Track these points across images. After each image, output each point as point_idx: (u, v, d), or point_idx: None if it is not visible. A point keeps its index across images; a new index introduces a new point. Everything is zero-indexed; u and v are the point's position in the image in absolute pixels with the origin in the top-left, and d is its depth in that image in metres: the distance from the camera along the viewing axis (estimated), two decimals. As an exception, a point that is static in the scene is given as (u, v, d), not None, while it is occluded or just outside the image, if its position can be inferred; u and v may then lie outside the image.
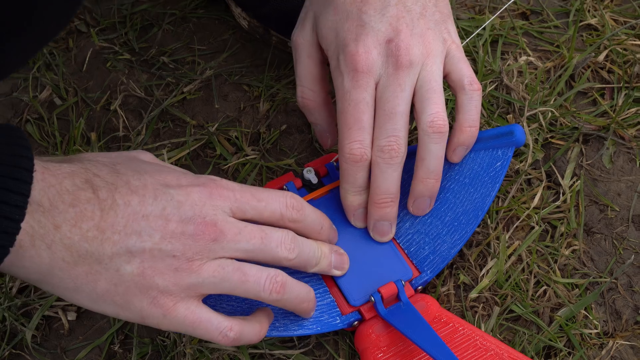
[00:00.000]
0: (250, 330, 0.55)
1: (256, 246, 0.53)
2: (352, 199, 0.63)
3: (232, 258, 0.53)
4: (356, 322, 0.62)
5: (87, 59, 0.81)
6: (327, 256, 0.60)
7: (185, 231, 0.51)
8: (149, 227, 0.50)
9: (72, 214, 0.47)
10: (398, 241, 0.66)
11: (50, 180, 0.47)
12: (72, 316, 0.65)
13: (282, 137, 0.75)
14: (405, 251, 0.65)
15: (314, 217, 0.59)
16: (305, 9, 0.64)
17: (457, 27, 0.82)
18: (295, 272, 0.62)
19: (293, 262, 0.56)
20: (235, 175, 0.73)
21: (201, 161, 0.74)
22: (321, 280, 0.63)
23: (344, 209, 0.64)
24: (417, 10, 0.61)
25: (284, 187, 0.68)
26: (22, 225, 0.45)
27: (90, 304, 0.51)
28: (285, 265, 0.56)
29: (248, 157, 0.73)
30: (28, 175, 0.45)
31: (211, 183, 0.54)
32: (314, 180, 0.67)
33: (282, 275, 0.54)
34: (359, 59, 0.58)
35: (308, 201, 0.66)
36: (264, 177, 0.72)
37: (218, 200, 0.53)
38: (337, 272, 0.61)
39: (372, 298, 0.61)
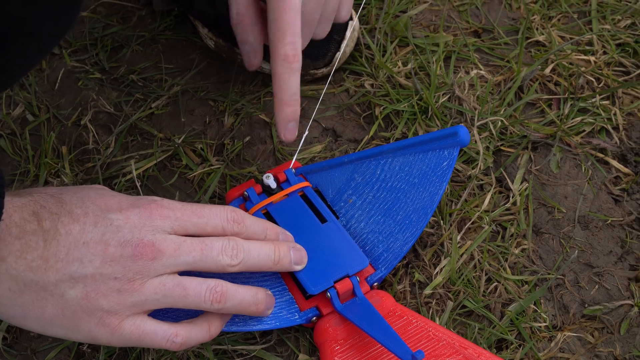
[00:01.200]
0: (197, 332, 0.58)
1: (197, 257, 0.56)
2: (286, 110, 0.65)
3: (176, 272, 0.56)
4: (314, 318, 0.65)
5: (59, 78, 0.84)
6: (286, 254, 0.62)
7: (123, 254, 0.53)
8: (89, 253, 0.53)
9: (18, 246, 0.50)
10: (354, 241, 0.68)
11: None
12: (41, 319, 0.68)
13: (245, 148, 0.79)
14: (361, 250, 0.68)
15: (256, 227, 0.61)
16: None
17: (411, 44, 0.87)
18: (261, 276, 0.65)
19: (238, 267, 0.58)
20: (200, 185, 0.76)
21: (168, 171, 0.77)
22: (280, 279, 0.66)
23: (277, 123, 0.66)
24: None
25: (245, 193, 0.71)
26: None
27: (40, 329, 0.54)
28: (232, 271, 0.58)
29: (212, 167, 0.77)
30: None
31: (152, 204, 0.56)
32: (273, 185, 0.70)
33: (222, 285, 0.57)
34: None
35: (267, 205, 0.70)
36: (227, 185, 0.76)
37: (158, 220, 0.56)
38: (297, 267, 0.64)
39: (329, 294, 0.64)
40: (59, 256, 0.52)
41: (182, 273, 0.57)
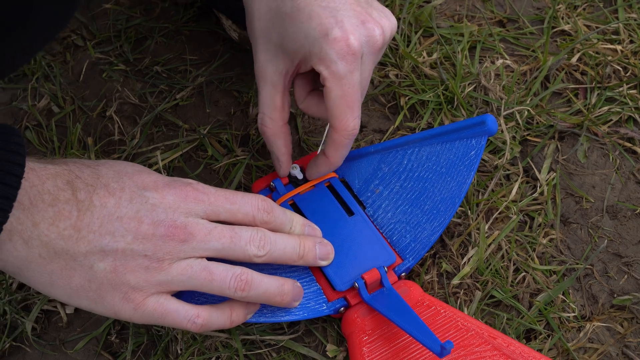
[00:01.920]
0: (219, 316, 0.58)
1: (226, 245, 0.57)
2: (326, 169, 0.69)
3: (203, 257, 0.56)
4: (342, 308, 0.65)
5: (83, 70, 0.85)
6: (311, 249, 0.62)
7: (156, 233, 0.54)
8: (122, 228, 0.53)
9: (51, 213, 0.51)
10: (381, 230, 0.68)
11: (34, 181, 0.51)
12: (70, 309, 0.68)
13: (270, 139, 0.79)
14: (388, 240, 0.68)
15: (284, 218, 0.62)
16: (255, 39, 0.66)
17: (436, 34, 0.86)
18: (289, 267, 0.65)
19: (265, 259, 0.59)
20: (226, 175, 0.76)
21: (193, 162, 0.77)
22: (307, 270, 0.66)
23: (311, 168, 0.70)
24: (362, 1, 0.63)
25: (272, 183, 0.71)
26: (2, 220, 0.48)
27: (65, 298, 0.54)
28: (258, 262, 0.59)
29: (238, 158, 0.77)
30: (17, 180, 0.49)
31: (188, 187, 0.57)
32: (300, 176, 0.70)
33: (247, 274, 0.57)
34: (349, 42, 0.59)
35: (294, 196, 0.70)
36: (253, 176, 0.76)
37: (192, 203, 0.57)
38: (323, 263, 0.64)
39: (356, 284, 0.64)
40: (92, 228, 0.52)
41: (210, 259, 0.57)
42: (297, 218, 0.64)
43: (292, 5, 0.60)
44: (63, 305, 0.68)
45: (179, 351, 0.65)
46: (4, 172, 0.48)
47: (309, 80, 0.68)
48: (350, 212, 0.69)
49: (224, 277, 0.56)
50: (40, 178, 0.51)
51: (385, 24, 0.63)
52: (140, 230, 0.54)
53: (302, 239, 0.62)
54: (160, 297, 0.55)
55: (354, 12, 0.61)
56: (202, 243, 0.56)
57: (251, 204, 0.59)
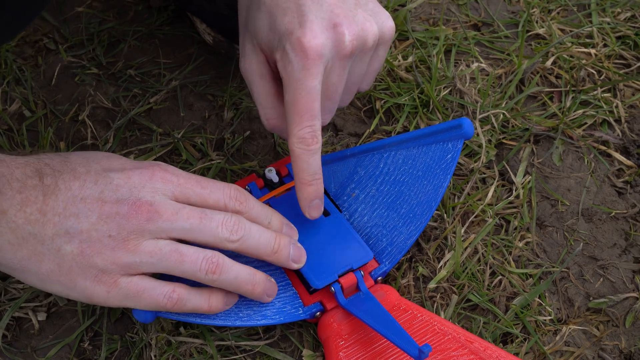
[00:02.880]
0: (196, 296, 0.57)
1: (194, 226, 0.55)
2: (308, 189, 0.61)
3: (172, 238, 0.55)
4: (318, 313, 0.64)
5: (55, 74, 0.83)
6: (286, 247, 0.61)
7: (119, 211, 0.54)
8: (85, 208, 0.53)
9: (18, 199, 0.51)
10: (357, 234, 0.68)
11: (2, 171, 0.51)
12: (42, 316, 0.67)
13: (245, 143, 0.78)
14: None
15: (260, 211, 0.60)
16: (242, 36, 0.64)
17: (411, 37, 0.86)
18: (264, 265, 0.64)
19: (237, 245, 0.57)
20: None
21: (167, 167, 0.76)
22: (283, 274, 0.65)
23: (299, 201, 0.63)
24: (350, 1, 0.60)
25: (247, 187, 0.70)
26: None
27: (39, 284, 0.54)
28: (230, 248, 0.57)
29: (213, 162, 0.76)
30: None
31: (156, 167, 0.57)
32: (275, 179, 0.70)
33: (218, 257, 0.56)
34: (309, 45, 0.56)
35: (269, 199, 0.69)
36: (228, 180, 0.75)
37: (159, 182, 0.56)
38: (295, 265, 0.62)
39: (333, 289, 0.63)
40: (57, 210, 0.53)
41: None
42: (276, 215, 0.63)
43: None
44: (35, 312, 0.67)
45: (153, 357, 0.64)
46: None
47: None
48: (325, 212, 0.68)
49: (194, 259, 0.55)
50: (9, 167, 0.52)
51: (368, 27, 0.59)
52: (103, 210, 0.53)
53: (278, 235, 0.60)
54: (132, 278, 0.55)
55: (330, 13, 0.58)
56: (169, 222, 0.55)
57: (223, 191, 0.58)
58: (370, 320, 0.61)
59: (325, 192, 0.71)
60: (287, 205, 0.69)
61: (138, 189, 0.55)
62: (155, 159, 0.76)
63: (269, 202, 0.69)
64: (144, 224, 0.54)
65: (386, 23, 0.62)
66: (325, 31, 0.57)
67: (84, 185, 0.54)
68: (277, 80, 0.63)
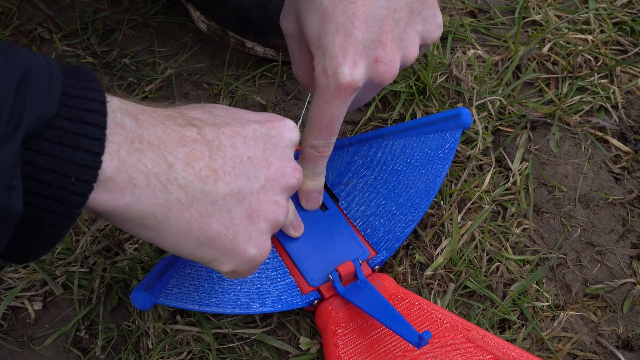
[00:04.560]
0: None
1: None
2: (309, 184, 0.65)
3: None
4: (316, 301, 0.64)
5: (50, 63, 0.83)
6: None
7: (284, 173, 0.52)
8: (254, 169, 0.50)
9: (182, 154, 0.45)
10: (354, 224, 0.68)
11: (153, 121, 0.45)
12: (38, 306, 0.67)
13: (241, 131, 0.78)
14: (362, 233, 0.67)
15: None
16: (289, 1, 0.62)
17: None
18: None
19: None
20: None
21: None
22: (281, 263, 0.65)
23: (299, 192, 0.66)
24: (404, 18, 0.58)
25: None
26: (136, 164, 0.43)
27: (192, 249, 0.49)
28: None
29: (209, 150, 0.75)
30: (101, 106, 0.41)
31: (293, 125, 0.56)
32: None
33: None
34: (352, 83, 0.56)
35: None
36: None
37: (291, 144, 0.55)
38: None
39: (330, 277, 0.63)
40: (226, 169, 0.48)
41: None
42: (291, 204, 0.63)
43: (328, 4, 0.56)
44: (31, 301, 0.67)
45: (150, 346, 0.63)
46: (84, 98, 0.41)
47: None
48: (323, 207, 0.68)
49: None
50: (157, 118, 0.46)
51: (409, 54, 0.59)
52: (270, 173, 0.51)
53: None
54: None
55: (378, 35, 0.56)
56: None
57: None
58: (369, 308, 0.61)
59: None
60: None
61: (289, 148, 0.54)
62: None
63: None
64: (295, 187, 0.54)
65: (433, 35, 0.61)
66: (365, 66, 0.57)
67: (247, 144, 0.50)
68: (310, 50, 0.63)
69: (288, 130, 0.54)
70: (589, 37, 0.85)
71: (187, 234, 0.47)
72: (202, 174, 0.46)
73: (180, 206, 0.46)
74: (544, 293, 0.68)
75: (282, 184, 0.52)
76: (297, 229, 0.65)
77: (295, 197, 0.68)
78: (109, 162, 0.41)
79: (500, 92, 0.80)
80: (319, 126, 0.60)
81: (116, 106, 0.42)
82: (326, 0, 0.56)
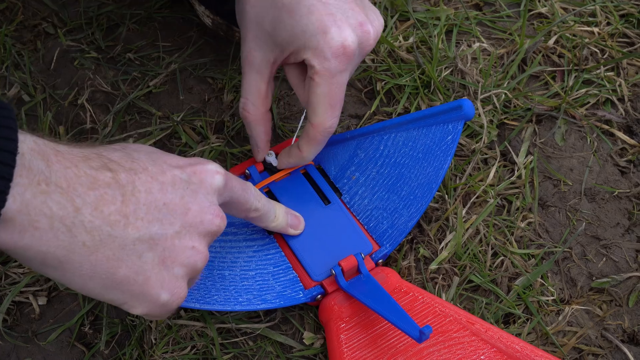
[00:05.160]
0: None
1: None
2: (300, 155, 0.68)
3: None
4: (319, 296, 0.64)
5: (54, 58, 0.83)
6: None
7: (203, 220, 0.51)
8: (169, 215, 0.49)
9: (93, 197, 0.45)
10: (357, 217, 0.68)
11: (66, 162, 0.45)
12: (42, 301, 0.67)
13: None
14: (365, 227, 0.67)
15: (268, 207, 0.62)
16: (246, 25, 0.65)
17: (412, 18, 0.85)
18: (262, 249, 0.65)
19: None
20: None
21: (167, 150, 0.75)
22: (284, 258, 0.65)
23: (284, 154, 0.69)
24: None
25: (246, 171, 0.70)
26: (40, 206, 0.43)
27: (101, 292, 0.48)
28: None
29: (213, 145, 0.75)
30: (10, 157, 0.41)
31: (211, 165, 0.55)
32: (275, 163, 0.69)
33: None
34: (346, 43, 0.60)
35: (269, 183, 0.69)
36: (227, 163, 0.74)
37: (218, 189, 0.54)
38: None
39: (333, 271, 0.63)
40: (139, 214, 0.48)
41: None
42: (280, 207, 0.64)
43: None
44: (35, 296, 0.67)
45: (154, 341, 0.64)
46: None
47: (301, 70, 0.67)
48: (326, 201, 0.68)
49: None
50: (71, 160, 0.45)
51: (377, 25, 0.64)
52: (187, 219, 0.50)
53: (275, 204, 0.63)
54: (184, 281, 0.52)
55: (352, 12, 0.62)
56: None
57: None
58: (372, 303, 0.60)
59: (325, 176, 0.71)
60: (287, 190, 0.68)
61: (211, 194, 0.53)
62: (154, 143, 0.76)
63: (268, 187, 0.69)
64: (216, 233, 0.53)
65: (382, 20, 0.66)
66: (354, 30, 0.61)
67: (164, 189, 0.50)
68: (270, 82, 0.67)
69: (210, 175, 0.53)
70: (595, 30, 0.84)
71: (94, 277, 0.47)
72: (111, 218, 0.46)
73: (86, 249, 0.45)
74: (549, 287, 0.67)
75: (201, 230, 0.51)
76: (295, 228, 0.66)
77: (297, 196, 0.68)
78: (11, 204, 0.41)
79: (505, 85, 0.80)
80: (332, 103, 0.63)
81: (28, 147, 0.42)
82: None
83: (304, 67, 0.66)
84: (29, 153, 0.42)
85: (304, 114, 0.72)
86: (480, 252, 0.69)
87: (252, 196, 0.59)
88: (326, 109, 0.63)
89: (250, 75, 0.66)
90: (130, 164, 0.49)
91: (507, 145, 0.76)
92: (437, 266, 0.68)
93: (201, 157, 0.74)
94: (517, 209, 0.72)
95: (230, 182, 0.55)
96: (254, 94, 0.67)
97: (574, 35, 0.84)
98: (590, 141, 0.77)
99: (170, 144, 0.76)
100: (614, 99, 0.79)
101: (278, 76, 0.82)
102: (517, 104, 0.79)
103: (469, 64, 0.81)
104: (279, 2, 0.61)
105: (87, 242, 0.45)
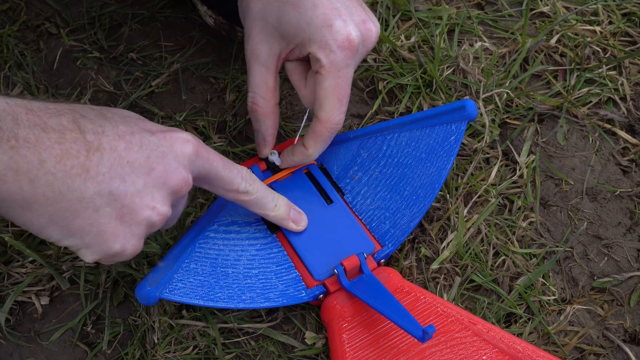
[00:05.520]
0: None
1: None
2: (305, 154, 0.68)
3: None
4: (321, 295, 0.64)
5: (57, 58, 0.83)
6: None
7: (167, 182, 0.53)
8: (133, 173, 0.51)
9: (58, 151, 0.48)
10: (360, 217, 0.68)
11: (35, 120, 0.48)
12: (45, 300, 0.67)
13: (247, 125, 0.78)
14: (367, 226, 0.67)
15: (266, 193, 0.63)
16: (250, 19, 0.65)
17: (414, 17, 0.86)
18: (265, 248, 0.65)
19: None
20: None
21: (169, 150, 0.76)
22: (287, 257, 0.65)
23: (287, 153, 0.69)
24: None
25: (249, 169, 0.70)
26: (8, 161, 0.46)
27: (58, 238, 0.51)
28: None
29: (215, 144, 0.76)
30: None
31: (191, 138, 0.56)
32: (278, 162, 0.69)
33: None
34: (351, 37, 0.61)
35: (272, 182, 0.69)
36: (230, 163, 0.75)
37: (194, 156, 0.55)
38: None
39: (336, 271, 0.63)
40: (101, 169, 0.50)
41: None
42: (283, 199, 0.64)
43: None
44: (38, 296, 0.67)
45: (156, 340, 0.64)
46: None
47: (303, 67, 0.68)
48: (329, 200, 0.68)
49: None
50: (41, 117, 0.48)
51: (377, 26, 0.65)
52: (150, 177, 0.52)
53: (277, 195, 0.64)
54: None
55: (355, 9, 0.63)
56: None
57: (238, 171, 0.60)
58: (374, 302, 0.61)
59: (328, 175, 0.71)
60: (291, 189, 0.68)
61: (178, 160, 0.54)
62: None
63: (272, 186, 0.69)
64: (181, 194, 0.54)
65: (378, 25, 0.66)
66: (357, 26, 0.63)
67: (130, 148, 0.51)
68: (277, 74, 0.67)
69: (180, 142, 0.54)
70: (598, 29, 0.84)
71: (51, 225, 0.50)
72: (72, 171, 0.48)
73: (45, 200, 0.48)
74: (551, 287, 0.67)
75: (163, 191, 0.53)
76: (297, 223, 0.66)
77: (299, 195, 0.68)
78: None
79: (507, 84, 0.80)
80: (339, 97, 0.63)
81: None
82: None
83: (306, 64, 0.67)
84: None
85: (307, 114, 0.73)
86: (481, 251, 0.69)
87: (239, 177, 0.59)
88: (334, 104, 0.63)
89: (257, 69, 0.66)
90: (101, 121, 0.51)
91: (509, 144, 0.76)
92: (438, 266, 0.68)
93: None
94: (519, 208, 0.72)
95: (205, 153, 0.56)
96: (262, 87, 0.66)
97: (576, 34, 0.84)
98: (592, 140, 0.77)
99: (172, 143, 0.77)
100: (616, 98, 0.79)
101: (280, 75, 0.82)
102: (519, 103, 0.79)
103: (470, 63, 0.81)
104: None
105: (47, 194, 0.48)
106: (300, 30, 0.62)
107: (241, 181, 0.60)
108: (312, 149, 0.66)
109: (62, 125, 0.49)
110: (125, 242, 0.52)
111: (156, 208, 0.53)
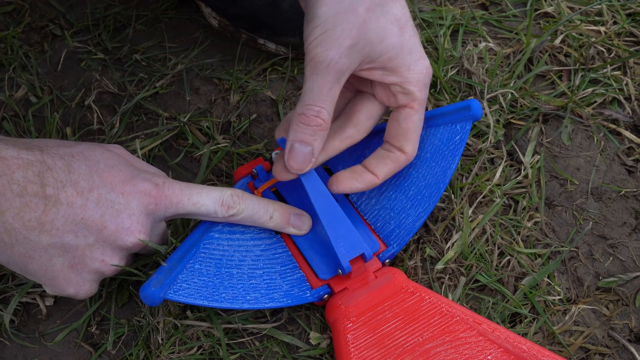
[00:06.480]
0: None
1: None
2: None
3: None
4: (326, 296, 0.64)
5: (61, 60, 0.83)
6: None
7: (116, 240, 0.57)
8: (85, 229, 0.56)
9: (18, 204, 0.53)
10: (365, 217, 0.68)
11: (3, 170, 0.52)
12: (49, 301, 0.67)
13: (252, 126, 0.78)
14: (372, 226, 0.67)
15: (256, 207, 0.63)
16: (341, 25, 0.57)
17: (418, 18, 0.86)
18: (269, 248, 0.65)
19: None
20: (207, 163, 0.75)
21: (174, 150, 0.76)
22: (291, 257, 0.65)
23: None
24: None
25: (254, 170, 0.70)
26: None
27: (20, 273, 0.58)
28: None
29: (219, 145, 0.76)
30: None
31: (159, 185, 0.59)
32: (283, 162, 0.69)
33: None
34: (430, 77, 0.62)
35: (276, 183, 0.69)
36: (234, 164, 0.75)
37: (152, 206, 0.59)
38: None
39: (340, 270, 0.63)
40: (55, 224, 0.54)
41: None
42: (279, 208, 0.64)
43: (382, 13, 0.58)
44: (42, 297, 0.67)
45: (160, 341, 0.64)
46: None
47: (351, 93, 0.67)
48: None
49: None
50: (10, 167, 0.53)
51: None
52: (102, 235, 0.57)
53: (272, 203, 0.64)
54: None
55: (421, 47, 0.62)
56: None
57: (214, 200, 0.62)
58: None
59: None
60: (294, 189, 0.68)
61: (137, 215, 0.58)
62: (161, 143, 0.76)
63: (275, 186, 0.69)
64: (131, 248, 0.59)
65: None
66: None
67: (86, 205, 0.56)
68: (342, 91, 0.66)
69: (138, 197, 0.58)
70: (602, 29, 0.84)
71: (11, 264, 0.56)
72: (29, 224, 0.54)
73: (3, 244, 0.54)
74: (556, 287, 0.67)
75: (115, 247, 0.58)
76: (299, 227, 0.66)
77: (299, 192, 0.67)
78: None
79: (511, 85, 0.80)
80: (420, 131, 0.64)
81: None
82: (399, 11, 0.59)
83: (359, 82, 0.65)
84: None
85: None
86: (486, 251, 0.69)
87: (217, 204, 0.61)
88: (418, 137, 0.63)
89: (328, 81, 0.58)
90: (64, 176, 0.55)
91: (514, 144, 0.76)
92: (443, 266, 0.68)
93: (209, 158, 0.74)
94: (524, 208, 0.72)
95: (166, 201, 0.59)
96: (330, 102, 0.59)
97: (581, 35, 0.84)
98: (597, 140, 0.77)
99: (177, 144, 0.77)
100: (621, 98, 0.79)
101: (284, 76, 0.82)
102: (524, 104, 0.79)
103: (475, 64, 0.81)
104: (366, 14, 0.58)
105: (4, 239, 0.54)
106: (398, 56, 0.59)
107: (220, 207, 0.62)
108: (384, 178, 0.64)
109: (26, 179, 0.53)
110: (77, 287, 0.59)
111: (105, 261, 0.58)
